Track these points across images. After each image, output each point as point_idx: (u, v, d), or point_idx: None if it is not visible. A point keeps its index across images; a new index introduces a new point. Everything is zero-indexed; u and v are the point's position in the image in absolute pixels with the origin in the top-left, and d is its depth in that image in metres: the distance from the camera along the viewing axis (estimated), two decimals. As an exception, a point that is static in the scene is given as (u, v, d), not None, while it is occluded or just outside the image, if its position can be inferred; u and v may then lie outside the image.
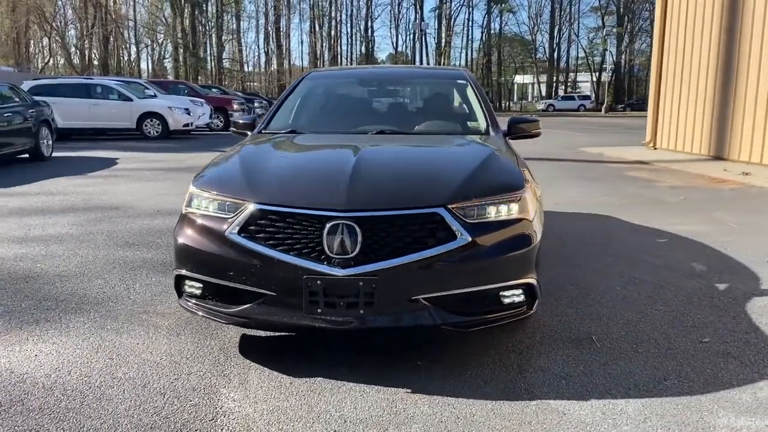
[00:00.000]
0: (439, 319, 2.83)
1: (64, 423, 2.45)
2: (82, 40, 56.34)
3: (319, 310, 2.76)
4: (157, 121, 17.62)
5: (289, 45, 77.21)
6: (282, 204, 2.87)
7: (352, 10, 70.90)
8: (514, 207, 3.01)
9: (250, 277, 2.83)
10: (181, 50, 56.97)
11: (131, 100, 17.48)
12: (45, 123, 12.02)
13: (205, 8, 56.79)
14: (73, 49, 56.06)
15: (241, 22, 67.18)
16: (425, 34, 60.65)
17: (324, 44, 68.61)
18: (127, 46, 61.66)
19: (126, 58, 61.78)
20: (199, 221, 3.03)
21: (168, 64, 62.12)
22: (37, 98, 12.92)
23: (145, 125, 17.57)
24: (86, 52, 54.73)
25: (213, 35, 60.05)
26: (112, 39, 58.00)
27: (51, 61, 57.94)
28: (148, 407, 2.58)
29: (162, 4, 57.91)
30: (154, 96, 18.63)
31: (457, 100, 4.54)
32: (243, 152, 3.61)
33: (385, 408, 2.60)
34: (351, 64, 66.88)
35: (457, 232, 2.81)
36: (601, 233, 5.94)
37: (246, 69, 67.75)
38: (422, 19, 60.21)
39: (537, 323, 3.53)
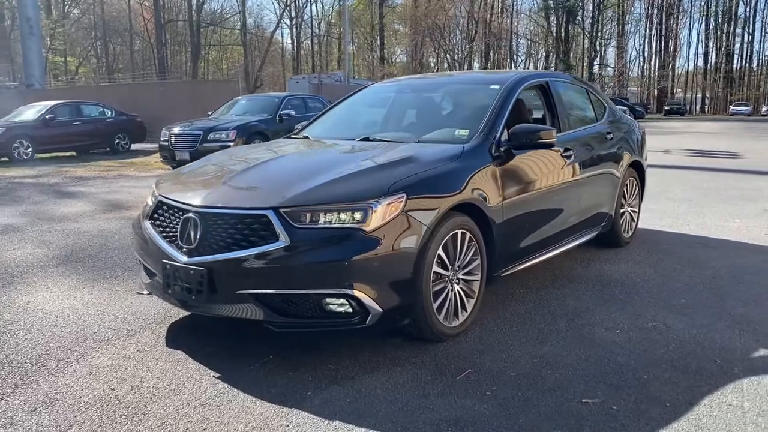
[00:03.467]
0: (262, 315, 3.02)
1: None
2: (468, 55, 61.77)
3: (169, 291, 3.22)
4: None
5: (677, 47, 71.65)
6: (165, 195, 3.43)
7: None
8: (351, 216, 2.98)
9: (150, 256, 3.42)
10: (553, 58, 57.90)
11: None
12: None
13: (579, 13, 56.54)
14: (454, 63, 61.71)
15: (626, 26, 65.11)
16: None
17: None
18: (512, 57, 65.34)
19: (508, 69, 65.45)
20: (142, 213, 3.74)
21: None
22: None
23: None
24: (464, 65, 59.69)
25: (586, 40, 59.47)
26: (492, 52, 62.29)
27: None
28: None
29: (537, 13, 59.71)
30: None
31: (473, 107, 4.27)
32: (215, 153, 4.19)
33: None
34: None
35: (279, 235, 2.95)
36: None
37: (624, 73, 65.29)
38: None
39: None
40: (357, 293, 2.93)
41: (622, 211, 5.41)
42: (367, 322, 3.00)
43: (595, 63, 60.51)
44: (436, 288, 3.29)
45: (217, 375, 3.01)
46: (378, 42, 62.96)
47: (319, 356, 3.20)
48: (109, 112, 17.49)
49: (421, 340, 3.35)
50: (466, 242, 3.47)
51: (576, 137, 4.68)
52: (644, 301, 4.07)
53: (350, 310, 2.98)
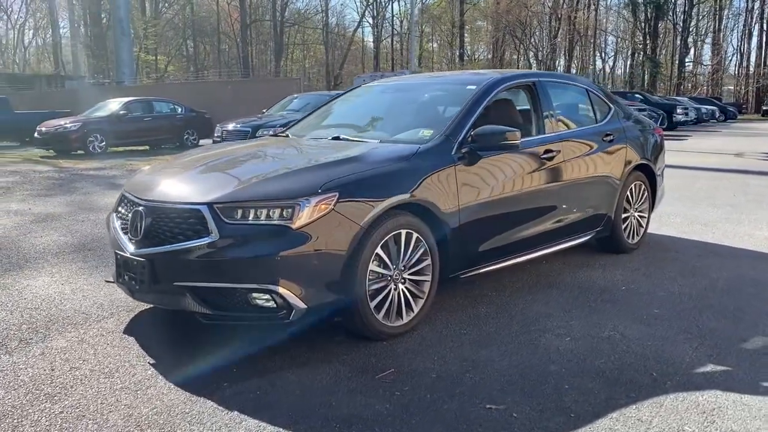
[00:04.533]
0: (196, 307, 3.16)
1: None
2: (551, 53, 60.30)
3: (120, 280, 3.41)
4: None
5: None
6: (126, 190, 3.63)
7: None
8: (279, 213, 3.07)
9: (113, 247, 3.64)
10: (639, 56, 55.65)
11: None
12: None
13: (669, 9, 54.00)
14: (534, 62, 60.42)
15: (723, 21, 61.74)
16: None
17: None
18: (597, 54, 63.34)
19: (593, 67, 63.50)
20: None
21: (619, 70, 61.54)
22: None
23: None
24: (548, 64, 58.33)
25: (677, 38, 56.75)
26: (578, 48, 60.55)
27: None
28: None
29: (623, 8, 57.51)
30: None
31: (447, 108, 4.23)
32: (193, 149, 4.36)
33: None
34: None
35: (211, 229, 3.08)
36: None
37: (719, 71, 61.91)
38: None
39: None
40: (281, 289, 3.01)
41: (626, 215, 5.22)
42: (291, 318, 3.08)
43: (687, 61, 57.65)
44: (375, 287, 3.32)
45: (152, 362, 3.17)
46: (458, 40, 62.46)
47: (258, 349, 3.30)
48: (180, 109, 18.31)
49: (363, 338, 3.40)
50: (413, 242, 3.47)
51: (563, 138, 4.56)
52: (615, 309, 3.93)
53: (274, 305, 3.06)
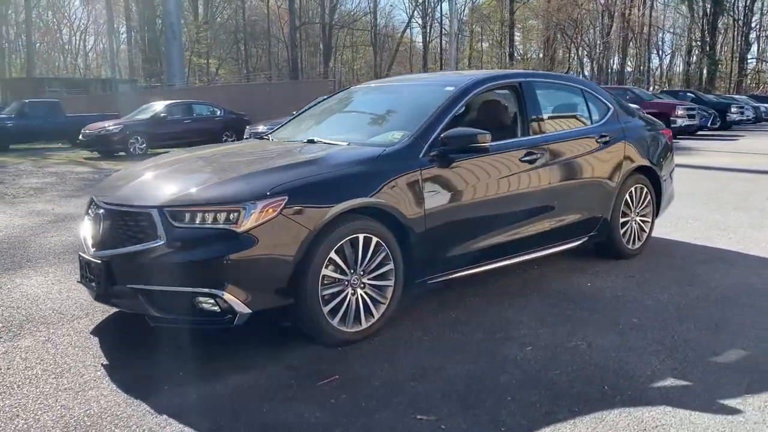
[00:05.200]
0: (146, 310, 3.18)
1: None
2: (605, 51, 58.90)
3: (82, 281, 3.47)
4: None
5: None
6: (93, 192, 3.70)
7: None
8: (225, 217, 3.07)
9: (79, 248, 3.70)
10: (697, 53, 53.80)
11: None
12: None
13: (729, 4, 51.99)
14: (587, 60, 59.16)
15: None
16: None
17: None
18: (652, 51, 61.55)
19: (648, 65, 61.75)
20: None
21: (677, 68, 59.61)
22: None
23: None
24: (601, 62, 57.00)
25: (738, 33, 54.58)
26: (633, 46, 58.99)
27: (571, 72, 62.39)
28: None
29: (679, 4, 55.72)
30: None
31: (422, 110, 4.12)
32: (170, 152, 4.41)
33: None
34: None
35: (159, 233, 3.10)
36: None
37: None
38: None
39: None
40: (225, 294, 3.01)
41: (625, 220, 5.02)
42: (235, 323, 3.07)
43: (749, 58, 55.39)
44: (329, 291, 3.28)
45: (106, 363, 3.21)
46: (507, 39, 61.70)
47: (212, 353, 3.30)
48: (219, 111, 18.67)
49: (321, 343, 3.35)
50: (372, 247, 3.42)
51: (550, 140, 4.41)
52: (593, 318, 3.78)
53: (219, 309, 3.06)
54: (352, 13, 62.99)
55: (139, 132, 16.54)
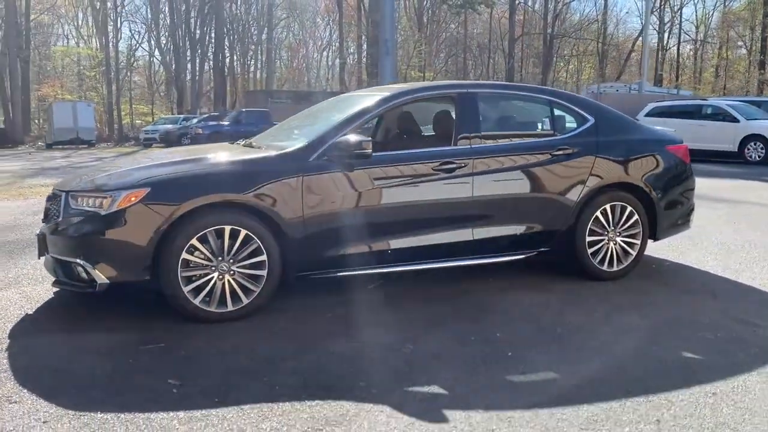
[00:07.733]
0: (59, 275, 3.94)
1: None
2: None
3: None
4: (761, 145, 15.92)
5: None
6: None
7: None
8: (98, 202, 3.72)
9: None
10: None
11: (737, 121, 16.37)
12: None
13: None
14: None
15: None
16: None
17: None
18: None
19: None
20: None
21: None
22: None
23: (747, 149, 16.17)
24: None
25: None
26: None
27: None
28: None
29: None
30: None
31: (345, 117, 4.33)
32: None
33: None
34: None
35: (61, 212, 3.87)
36: None
37: None
38: None
39: None
40: (89, 266, 3.65)
41: (596, 239, 4.67)
42: (96, 290, 3.70)
43: None
44: (190, 273, 3.74)
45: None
46: (758, 45, 54.86)
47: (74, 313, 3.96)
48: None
49: (184, 318, 3.78)
50: (240, 239, 3.79)
51: (481, 151, 4.35)
52: (450, 336, 3.74)
53: (86, 278, 3.71)
54: (582, 20, 61.04)
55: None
